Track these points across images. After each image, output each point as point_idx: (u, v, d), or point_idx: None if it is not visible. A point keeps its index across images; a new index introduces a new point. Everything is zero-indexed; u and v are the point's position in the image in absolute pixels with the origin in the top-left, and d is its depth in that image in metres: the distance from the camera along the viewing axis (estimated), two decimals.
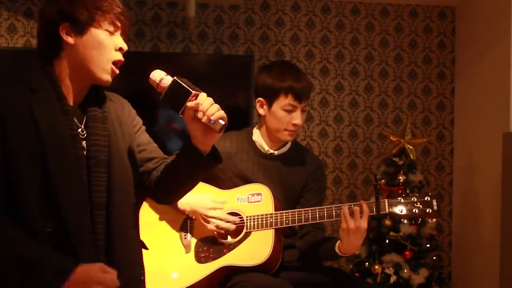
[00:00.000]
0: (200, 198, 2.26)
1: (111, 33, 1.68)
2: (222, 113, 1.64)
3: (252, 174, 2.36)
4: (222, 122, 1.63)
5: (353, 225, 2.10)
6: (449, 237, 4.10)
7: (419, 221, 3.46)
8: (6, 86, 1.68)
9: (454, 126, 4.13)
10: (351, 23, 4.08)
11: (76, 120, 1.68)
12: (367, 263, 3.48)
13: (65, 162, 1.60)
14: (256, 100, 2.39)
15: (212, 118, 1.62)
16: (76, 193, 1.60)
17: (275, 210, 2.26)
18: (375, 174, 2.30)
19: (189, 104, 1.62)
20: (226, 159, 2.35)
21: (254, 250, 2.21)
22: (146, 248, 1.91)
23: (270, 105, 2.34)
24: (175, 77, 1.64)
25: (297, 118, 2.31)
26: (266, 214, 2.25)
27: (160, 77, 1.65)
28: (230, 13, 3.98)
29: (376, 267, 3.42)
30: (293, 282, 2.17)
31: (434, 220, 3.48)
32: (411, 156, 3.55)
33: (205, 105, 1.61)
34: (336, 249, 2.19)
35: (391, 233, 3.44)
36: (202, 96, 1.63)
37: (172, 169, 1.78)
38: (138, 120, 1.87)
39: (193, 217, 2.28)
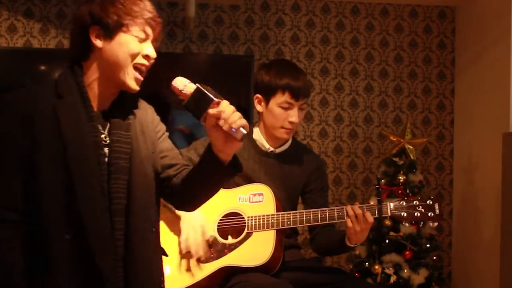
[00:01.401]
0: (192, 216, 2.25)
1: (141, 40, 1.69)
2: (244, 121, 1.62)
3: (253, 172, 2.37)
4: (244, 131, 1.62)
5: (358, 227, 2.13)
6: (449, 237, 4.10)
7: (420, 222, 3.46)
8: (34, 87, 1.70)
9: (454, 126, 4.13)
10: (351, 23, 4.08)
11: (100, 127, 1.68)
12: (367, 263, 3.48)
13: (87, 169, 1.61)
14: (254, 97, 2.40)
15: (233, 126, 1.61)
16: (96, 199, 1.61)
17: (276, 211, 2.26)
18: (377, 177, 2.30)
19: (211, 111, 1.61)
20: None
21: (255, 250, 2.21)
22: (166, 255, 1.89)
23: (267, 101, 2.34)
24: (197, 84, 1.63)
25: (294, 116, 2.32)
26: (268, 215, 2.25)
27: (183, 84, 1.64)
28: (230, 13, 3.98)
29: (376, 267, 3.41)
30: (294, 282, 2.17)
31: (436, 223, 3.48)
32: (411, 156, 3.55)
33: (227, 113, 1.60)
34: (346, 242, 2.22)
35: (391, 233, 3.44)
36: (224, 103, 1.62)
37: (192, 177, 1.77)
38: (161, 127, 1.87)
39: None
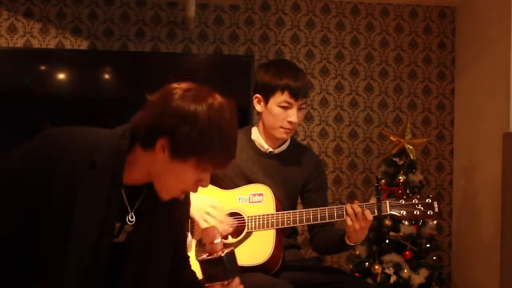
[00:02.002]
0: (198, 200, 2.26)
1: (204, 172, 1.50)
2: None
3: (252, 173, 2.37)
4: None
5: (358, 226, 2.13)
6: (449, 237, 4.10)
7: (420, 222, 3.46)
8: (72, 145, 1.47)
9: (454, 126, 4.13)
10: (351, 23, 4.08)
11: (126, 201, 1.55)
12: (367, 263, 3.48)
13: (86, 251, 1.46)
14: (254, 97, 2.40)
15: None
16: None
17: (276, 211, 2.26)
18: (377, 176, 2.30)
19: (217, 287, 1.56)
20: None
21: (255, 250, 2.21)
22: None
23: (266, 101, 2.34)
24: (223, 255, 1.55)
25: (293, 115, 2.31)
26: (267, 214, 2.25)
27: (213, 239, 1.57)
28: (230, 13, 3.98)
29: (376, 267, 3.41)
30: (293, 282, 2.18)
31: (435, 221, 3.49)
32: (411, 156, 3.55)
33: None
34: (346, 241, 2.22)
35: (391, 233, 3.44)
36: (235, 283, 1.56)
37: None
38: (187, 211, 1.78)
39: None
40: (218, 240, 1.58)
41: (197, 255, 2.24)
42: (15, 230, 1.45)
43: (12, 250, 1.47)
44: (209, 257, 1.56)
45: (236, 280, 1.57)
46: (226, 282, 1.55)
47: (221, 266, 1.54)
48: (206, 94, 1.48)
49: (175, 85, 1.50)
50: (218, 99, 1.49)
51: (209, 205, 2.24)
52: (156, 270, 1.59)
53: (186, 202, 1.75)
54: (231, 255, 1.57)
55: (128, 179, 1.52)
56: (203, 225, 2.23)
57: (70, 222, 1.43)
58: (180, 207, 1.67)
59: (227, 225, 2.24)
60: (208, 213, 2.23)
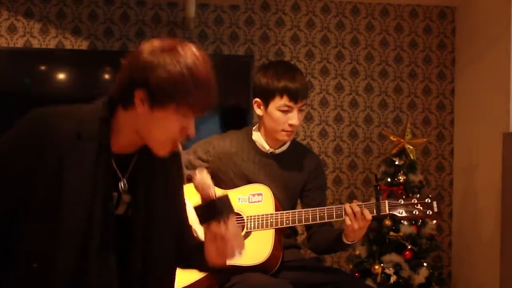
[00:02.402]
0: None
1: (186, 117, 1.52)
2: (241, 245, 1.58)
3: (253, 173, 2.37)
4: (238, 255, 1.60)
5: (357, 225, 2.13)
6: (449, 237, 4.09)
7: (419, 222, 3.46)
8: (56, 118, 1.52)
9: (454, 126, 4.13)
10: (351, 23, 4.08)
11: (118, 170, 1.58)
12: (367, 263, 3.48)
13: (74, 224, 1.48)
14: (253, 101, 2.40)
15: (229, 249, 1.57)
16: (76, 249, 1.48)
17: (275, 211, 2.27)
18: (376, 175, 2.30)
19: (214, 228, 1.57)
20: (227, 160, 2.36)
21: (254, 249, 2.21)
22: None
23: (266, 106, 2.34)
24: (214, 195, 1.59)
25: (294, 118, 2.31)
26: (267, 214, 2.25)
27: (202, 183, 1.59)
28: (230, 13, 3.98)
29: (376, 267, 3.41)
30: (293, 282, 2.17)
31: (434, 221, 3.49)
32: (411, 156, 3.55)
33: (229, 235, 1.56)
34: (344, 240, 2.22)
35: (391, 233, 3.44)
36: (231, 224, 1.57)
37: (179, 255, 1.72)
38: (182, 178, 1.78)
39: None
40: (210, 185, 1.60)
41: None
42: (10, 210, 1.49)
43: (8, 228, 1.50)
44: (203, 202, 1.59)
45: (232, 219, 1.59)
46: (224, 222, 1.57)
47: (215, 207, 1.58)
48: (175, 43, 1.51)
49: (145, 42, 1.55)
50: (188, 45, 1.52)
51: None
52: (160, 240, 1.61)
53: (179, 168, 1.76)
54: (225, 197, 1.60)
55: (117, 148, 1.56)
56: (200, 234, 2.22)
57: (62, 194, 1.46)
58: (172, 173, 1.70)
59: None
60: None
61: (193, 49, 1.52)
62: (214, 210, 1.57)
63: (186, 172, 2.26)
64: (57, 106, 1.57)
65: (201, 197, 1.59)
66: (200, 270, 1.72)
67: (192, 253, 1.72)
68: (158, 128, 1.51)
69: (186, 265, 1.78)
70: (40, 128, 1.50)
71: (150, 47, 1.50)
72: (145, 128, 1.52)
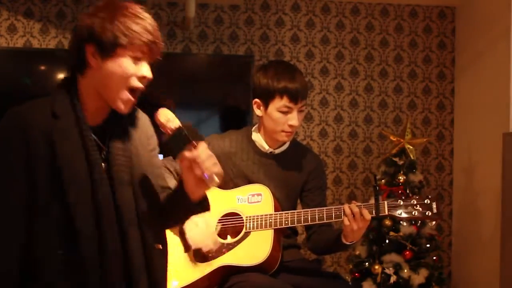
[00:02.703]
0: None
1: (137, 60, 1.63)
2: (217, 168, 1.62)
3: (252, 173, 2.37)
4: (216, 179, 1.63)
5: (355, 226, 2.13)
6: (449, 237, 4.09)
7: (419, 222, 3.46)
8: (30, 104, 1.65)
9: (454, 126, 4.13)
10: (351, 23, 4.08)
11: (98, 140, 1.66)
12: (367, 263, 3.48)
13: (84, 187, 1.59)
14: (253, 102, 2.39)
15: (206, 172, 1.60)
16: (88, 216, 1.59)
17: (275, 211, 2.26)
18: (375, 175, 2.29)
19: (186, 154, 1.61)
20: (226, 159, 2.36)
21: (253, 250, 2.21)
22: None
23: (266, 106, 2.34)
24: (179, 124, 1.63)
25: (293, 119, 2.31)
26: (266, 215, 2.25)
27: (167, 118, 1.64)
28: (230, 13, 3.98)
29: (376, 267, 3.41)
30: (292, 284, 2.17)
31: (434, 222, 3.48)
32: (411, 156, 3.55)
33: (202, 158, 1.60)
34: (343, 240, 2.21)
35: (391, 233, 3.44)
36: (202, 147, 1.61)
37: (161, 205, 1.78)
38: (154, 141, 1.84)
39: None
40: (170, 117, 1.64)
41: (195, 255, 2.25)
42: (22, 200, 1.60)
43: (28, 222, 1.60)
44: (168, 132, 1.63)
45: (202, 144, 1.62)
46: (194, 146, 1.61)
47: (181, 135, 1.61)
48: (107, 1, 1.66)
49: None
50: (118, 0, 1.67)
51: (199, 218, 2.22)
52: (145, 192, 1.69)
53: (152, 134, 1.83)
54: (187, 124, 1.64)
55: (90, 120, 1.66)
56: (189, 235, 2.22)
57: (62, 172, 1.58)
58: (145, 136, 1.78)
59: (212, 241, 2.22)
60: (196, 224, 2.22)
61: (125, 3, 1.66)
62: (180, 138, 1.61)
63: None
64: (28, 101, 1.69)
65: (165, 130, 1.64)
66: (181, 205, 1.73)
67: (169, 202, 1.76)
68: (114, 76, 1.61)
69: (167, 218, 1.80)
70: (17, 117, 1.62)
71: (87, 11, 1.67)
72: (103, 82, 1.63)
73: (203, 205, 1.74)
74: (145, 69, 1.65)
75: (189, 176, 1.64)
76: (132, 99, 1.65)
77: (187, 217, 1.85)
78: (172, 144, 1.63)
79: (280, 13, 4.02)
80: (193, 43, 3.93)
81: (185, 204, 1.71)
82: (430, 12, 4.14)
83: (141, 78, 1.65)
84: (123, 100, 1.64)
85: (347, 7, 4.07)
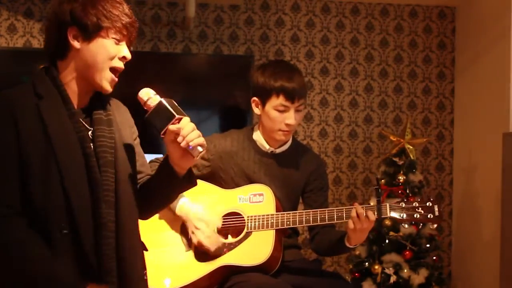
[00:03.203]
0: (196, 208, 2.26)
1: (117, 41, 1.71)
2: (201, 140, 1.68)
3: (253, 172, 2.37)
4: (200, 149, 1.68)
5: (359, 226, 2.12)
6: (449, 237, 4.10)
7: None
8: (12, 90, 1.71)
9: (454, 126, 4.13)
10: (351, 23, 4.08)
11: (84, 123, 1.71)
12: (367, 263, 3.48)
13: (75, 163, 1.64)
14: (252, 100, 2.40)
15: (190, 144, 1.66)
16: (87, 191, 1.64)
17: (276, 211, 2.26)
18: (377, 177, 2.29)
19: (170, 127, 1.66)
20: (227, 159, 2.36)
21: (255, 250, 2.21)
22: (146, 250, 1.91)
23: (263, 105, 2.34)
24: (161, 99, 1.68)
25: (290, 118, 2.31)
26: (267, 215, 2.25)
27: (148, 96, 1.69)
28: (230, 13, 3.98)
29: (376, 267, 3.41)
30: (293, 285, 2.17)
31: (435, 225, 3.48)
32: (411, 156, 3.55)
33: (186, 131, 1.66)
34: (346, 243, 2.21)
35: (391, 233, 3.44)
36: (185, 120, 1.67)
37: (148, 185, 1.83)
38: (135, 130, 1.89)
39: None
40: (152, 94, 1.69)
41: (196, 255, 2.24)
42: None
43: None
44: (151, 109, 1.67)
45: (185, 118, 1.68)
46: (177, 120, 1.66)
47: (164, 109, 1.66)
48: None
49: None
50: None
51: (198, 218, 2.23)
52: (126, 175, 1.74)
53: (133, 124, 1.88)
54: (169, 99, 1.69)
55: (75, 99, 1.71)
56: (192, 238, 2.23)
57: (52, 146, 1.61)
58: (127, 124, 1.83)
59: (214, 241, 2.22)
60: (196, 228, 2.22)
61: None
62: (162, 112, 1.65)
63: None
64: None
65: (148, 108, 1.68)
66: (168, 181, 1.77)
67: (155, 179, 1.81)
68: (98, 57, 1.67)
69: (155, 197, 1.84)
70: (2, 99, 1.67)
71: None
72: (87, 63, 1.68)
73: (189, 179, 1.79)
74: (125, 50, 1.73)
75: (174, 149, 1.70)
76: (115, 78, 1.73)
77: (175, 193, 1.88)
78: (156, 119, 1.67)
79: (280, 13, 4.02)
80: (193, 43, 3.93)
81: (171, 179, 1.75)
82: (430, 12, 4.14)
83: (122, 59, 1.72)
84: (108, 80, 1.70)
85: (347, 7, 4.07)
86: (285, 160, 2.42)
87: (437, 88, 4.14)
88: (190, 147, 1.67)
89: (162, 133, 1.67)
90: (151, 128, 1.68)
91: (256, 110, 2.38)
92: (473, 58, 3.88)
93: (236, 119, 3.77)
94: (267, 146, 2.41)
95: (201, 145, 1.68)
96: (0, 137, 1.63)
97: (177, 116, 1.66)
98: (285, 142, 2.43)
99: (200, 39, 3.93)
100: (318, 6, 4.05)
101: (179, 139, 1.66)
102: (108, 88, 1.72)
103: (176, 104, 1.70)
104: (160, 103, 1.67)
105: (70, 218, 1.61)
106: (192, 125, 1.68)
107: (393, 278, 3.38)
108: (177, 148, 1.68)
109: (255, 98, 2.37)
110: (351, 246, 2.21)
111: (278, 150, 2.42)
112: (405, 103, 4.11)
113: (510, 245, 3.09)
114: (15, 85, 1.75)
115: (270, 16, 4.01)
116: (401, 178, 3.49)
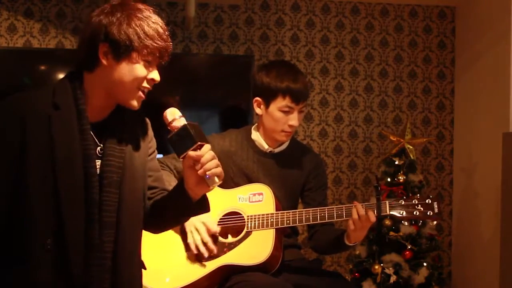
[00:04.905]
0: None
1: (148, 64, 1.66)
2: (219, 170, 1.66)
3: (252, 172, 2.37)
4: (217, 180, 1.66)
5: (359, 225, 2.13)
6: (449, 237, 4.10)
7: (420, 222, 3.46)
8: (32, 93, 1.67)
9: (454, 126, 4.13)
10: (351, 23, 4.08)
11: (95, 138, 1.68)
12: (367, 263, 3.48)
13: (72, 181, 1.60)
14: (254, 100, 2.39)
15: (208, 173, 1.64)
16: (81, 210, 1.61)
17: (276, 210, 2.26)
18: (377, 176, 2.30)
19: (190, 153, 1.64)
20: (226, 158, 2.36)
21: (255, 249, 2.21)
22: (145, 268, 1.90)
23: (267, 105, 2.34)
24: (185, 123, 1.65)
25: (294, 119, 2.32)
26: (267, 214, 2.25)
27: (173, 117, 1.67)
28: (230, 13, 3.98)
29: (376, 267, 3.41)
30: (293, 284, 2.17)
31: (435, 222, 3.48)
32: (411, 156, 3.55)
33: (205, 159, 1.64)
34: (345, 241, 2.21)
35: (391, 233, 3.44)
36: (206, 148, 1.65)
37: (161, 203, 1.81)
38: (153, 144, 1.86)
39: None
40: (177, 116, 1.67)
41: (197, 255, 2.24)
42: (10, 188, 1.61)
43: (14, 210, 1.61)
44: (174, 131, 1.65)
45: (206, 145, 1.66)
46: (198, 146, 1.64)
47: (187, 134, 1.64)
48: (123, 1, 1.69)
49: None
50: (135, 3, 1.70)
51: (200, 220, 2.23)
52: (131, 196, 1.69)
53: (152, 137, 1.85)
54: (194, 124, 1.67)
55: (91, 116, 1.67)
56: (189, 238, 2.23)
57: (55, 166, 1.58)
58: (145, 139, 1.80)
59: (210, 246, 2.22)
60: (196, 229, 2.22)
61: (139, 5, 1.69)
62: (185, 137, 1.63)
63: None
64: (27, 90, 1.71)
65: (172, 128, 1.66)
66: (181, 204, 1.74)
67: (168, 199, 1.78)
68: (126, 78, 1.64)
69: (166, 217, 1.82)
70: (17, 104, 1.63)
71: (103, 9, 1.66)
72: (114, 82, 1.64)
73: (202, 206, 1.76)
74: (155, 74, 1.69)
75: (190, 175, 1.67)
76: (143, 96, 1.70)
77: (186, 216, 1.87)
78: (178, 142, 1.65)
79: (280, 13, 4.02)
80: (193, 43, 3.93)
81: (184, 203, 1.72)
82: (430, 12, 4.14)
83: (150, 81, 1.69)
84: (135, 98, 1.68)
85: (347, 7, 4.07)
86: (284, 160, 2.42)
87: (437, 88, 4.14)
88: (207, 176, 1.64)
89: (181, 157, 1.66)
90: (172, 148, 1.67)
91: (258, 111, 2.38)
92: (473, 58, 3.88)
93: (236, 119, 3.77)
94: (266, 146, 2.41)
95: (218, 176, 1.66)
96: (1, 141, 1.61)
97: (198, 142, 1.64)
98: (284, 142, 2.43)
99: (200, 39, 3.93)
100: (318, 6, 4.05)
101: (197, 166, 1.64)
102: (135, 105, 1.69)
103: (200, 129, 1.68)
104: (184, 127, 1.64)
105: (59, 237, 1.58)
106: (212, 153, 1.65)
107: (393, 278, 3.38)
108: (194, 175, 1.66)
109: (257, 98, 2.37)
110: (350, 244, 2.22)
111: (277, 150, 2.42)
112: (405, 103, 4.11)
113: (510, 245, 3.09)
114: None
115: (270, 16, 4.01)
116: (401, 178, 3.49)
